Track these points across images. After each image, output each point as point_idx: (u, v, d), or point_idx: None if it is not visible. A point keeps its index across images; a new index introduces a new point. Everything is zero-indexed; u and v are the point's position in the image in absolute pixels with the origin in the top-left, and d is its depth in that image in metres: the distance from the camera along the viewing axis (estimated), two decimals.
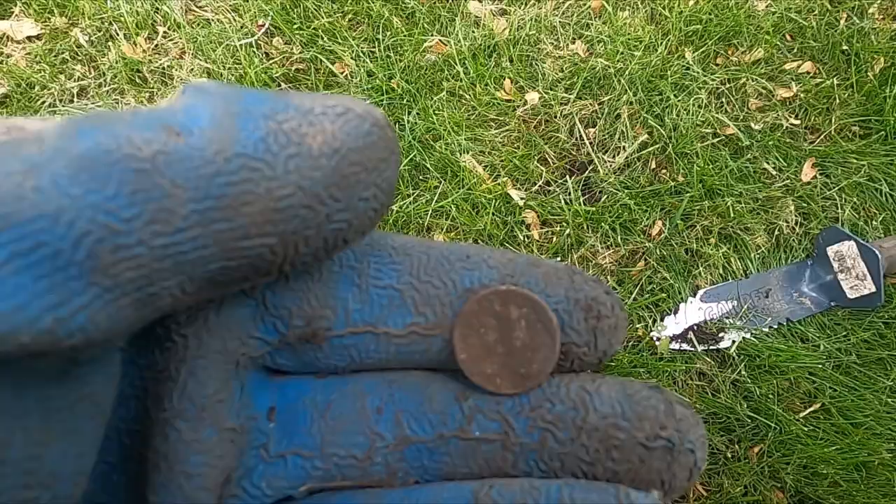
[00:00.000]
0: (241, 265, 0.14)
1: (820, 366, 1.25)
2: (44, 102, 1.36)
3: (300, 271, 0.17)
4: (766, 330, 1.28)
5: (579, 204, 1.33)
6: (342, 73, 1.41)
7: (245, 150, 0.13)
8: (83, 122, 0.12)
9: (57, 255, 0.11)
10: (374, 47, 1.44)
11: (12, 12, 1.43)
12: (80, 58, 1.41)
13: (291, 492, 0.18)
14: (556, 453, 0.17)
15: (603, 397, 0.17)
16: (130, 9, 1.43)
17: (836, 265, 1.28)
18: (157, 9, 1.45)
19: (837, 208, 1.37)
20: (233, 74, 1.39)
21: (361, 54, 1.42)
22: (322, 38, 1.43)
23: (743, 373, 1.24)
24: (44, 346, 0.12)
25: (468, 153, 1.35)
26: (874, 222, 1.36)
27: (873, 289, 1.24)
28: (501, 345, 0.17)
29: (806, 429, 1.21)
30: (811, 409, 1.23)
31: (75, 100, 1.38)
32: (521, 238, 1.28)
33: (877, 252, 1.23)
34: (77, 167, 0.12)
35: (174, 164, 0.12)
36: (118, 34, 1.42)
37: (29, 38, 1.42)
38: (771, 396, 1.23)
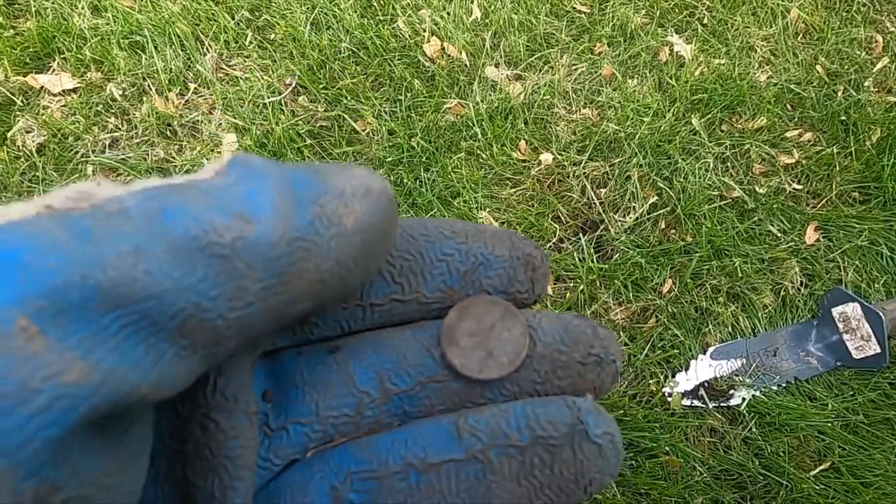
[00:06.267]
0: (284, 324, 0.17)
1: (828, 424, 1.27)
2: (77, 152, 1.41)
3: None
4: (775, 388, 1.30)
5: (592, 261, 1.37)
6: (364, 131, 1.47)
7: (299, 233, 0.16)
8: (164, 201, 0.15)
9: (154, 325, 0.14)
10: (395, 107, 1.50)
11: (51, 67, 1.49)
12: (113, 110, 1.47)
13: (297, 457, 0.21)
14: (514, 380, 0.21)
15: (546, 330, 0.21)
16: (164, 66, 1.50)
17: (840, 326, 1.32)
18: (190, 66, 1.52)
19: (841, 270, 1.42)
20: (260, 130, 1.45)
21: (383, 113, 1.49)
22: (346, 98, 1.49)
23: (753, 430, 1.26)
24: (154, 397, 0.14)
25: (485, 210, 1.40)
26: (876, 285, 1.41)
27: (878, 349, 1.28)
28: (483, 341, 0.21)
29: (817, 487, 1.22)
30: (821, 467, 1.25)
31: (107, 150, 1.43)
32: None
33: (880, 314, 1.27)
34: (174, 253, 0.14)
35: (249, 250, 0.15)
36: (151, 89, 1.49)
37: (65, 91, 1.48)
38: (781, 454, 1.25)
